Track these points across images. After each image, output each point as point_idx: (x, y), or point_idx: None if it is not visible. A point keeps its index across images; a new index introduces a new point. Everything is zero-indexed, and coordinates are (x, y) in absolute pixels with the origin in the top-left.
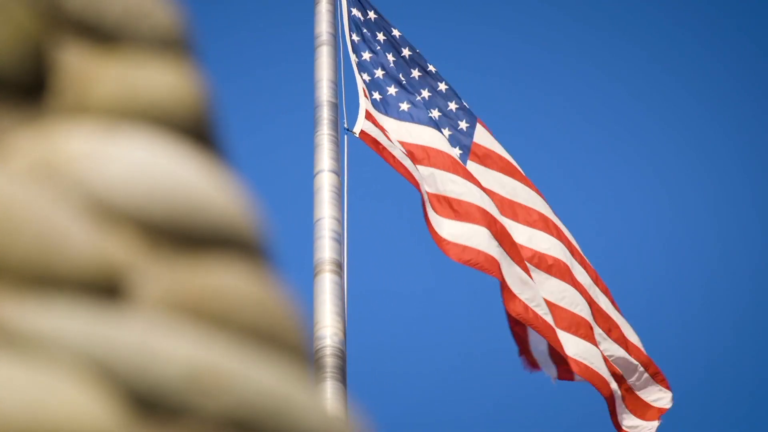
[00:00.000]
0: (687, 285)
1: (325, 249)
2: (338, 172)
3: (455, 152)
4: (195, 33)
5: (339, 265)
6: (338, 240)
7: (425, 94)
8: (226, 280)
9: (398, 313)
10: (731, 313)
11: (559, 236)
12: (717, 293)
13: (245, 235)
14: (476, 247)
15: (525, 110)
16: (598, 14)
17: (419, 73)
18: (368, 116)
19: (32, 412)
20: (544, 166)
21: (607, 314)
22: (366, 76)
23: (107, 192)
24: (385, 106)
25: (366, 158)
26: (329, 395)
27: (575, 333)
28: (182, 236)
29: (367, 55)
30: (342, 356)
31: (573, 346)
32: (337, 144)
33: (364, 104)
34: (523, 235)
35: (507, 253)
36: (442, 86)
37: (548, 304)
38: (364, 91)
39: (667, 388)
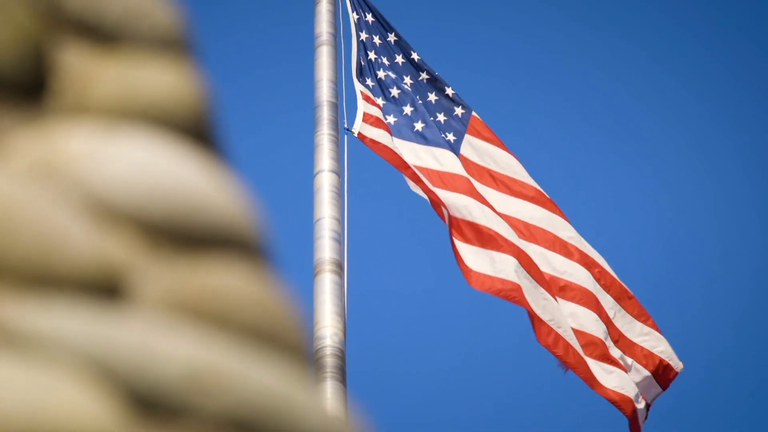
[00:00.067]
0: (687, 285)
1: (325, 249)
2: (338, 172)
3: (462, 169)
4: (195, 33)
5: (339, 265)
6: (338, 240)
7: (432, 97)
8: (226, 280)
9: (398, 313)
10: (731, 313)
11: (582, 259)
12: (717, 293)
13: (245, 235)
14: (501, 275)
15: (525, 110)
16: (598, 14)
17: (411, 81)
18: (366, 117)
19: (32, 412)
20: (544, 166)
21: (620, 332)
22: (370, 81)
23: (107, 192)
24: (399, 128)
25: (366, 158)
26: (329, 395)
27: (593, 355)
28: (182, 236)
29: (372, 55)
30: (342, 356)
31: (603, 373)
32: (337, 144)
33: (362, 106)
34: (543, 256)
35: (533, 278)
36: (439, 89)
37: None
38: (362, 93)
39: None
